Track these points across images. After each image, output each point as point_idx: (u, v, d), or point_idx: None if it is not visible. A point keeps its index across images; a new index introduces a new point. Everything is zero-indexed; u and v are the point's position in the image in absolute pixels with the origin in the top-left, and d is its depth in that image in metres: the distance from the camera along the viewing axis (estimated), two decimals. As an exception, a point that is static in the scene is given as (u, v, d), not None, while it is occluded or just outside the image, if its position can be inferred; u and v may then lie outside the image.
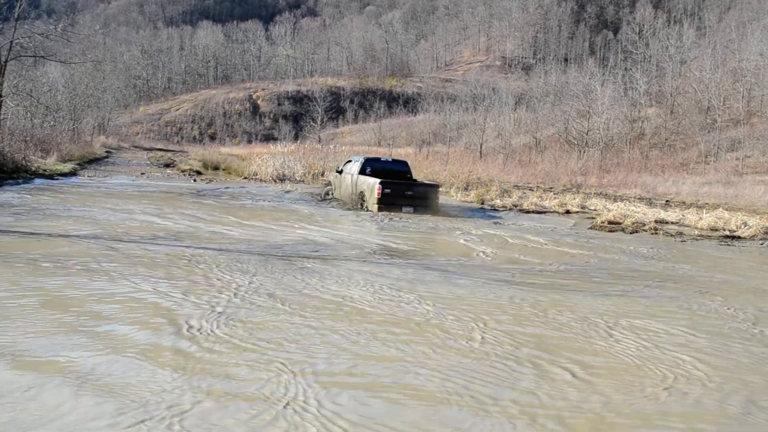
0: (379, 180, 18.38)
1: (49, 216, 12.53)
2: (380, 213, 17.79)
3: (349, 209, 19.05)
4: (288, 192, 23.37)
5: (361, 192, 19.21)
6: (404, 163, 21.97)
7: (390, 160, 21.97)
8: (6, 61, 22.25)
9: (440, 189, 21.14)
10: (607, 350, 5.96)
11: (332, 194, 22.29)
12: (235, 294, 7.16)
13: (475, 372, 5.14)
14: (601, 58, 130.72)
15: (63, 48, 32.99)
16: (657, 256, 12.54)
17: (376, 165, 20.41)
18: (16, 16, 23.15)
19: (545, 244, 13.42)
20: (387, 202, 18.09)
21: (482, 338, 6.06)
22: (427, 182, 22.47)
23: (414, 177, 22.12)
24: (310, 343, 5.59)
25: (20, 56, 24.59)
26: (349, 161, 21.62)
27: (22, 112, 28.93)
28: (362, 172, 19.78)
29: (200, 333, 5.68)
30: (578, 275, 9.91)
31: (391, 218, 16.74)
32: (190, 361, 4.97)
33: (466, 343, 5.90)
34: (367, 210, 18.50)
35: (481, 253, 11.48)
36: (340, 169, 21.76)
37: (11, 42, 22.46)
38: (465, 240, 13.19)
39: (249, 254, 9.73)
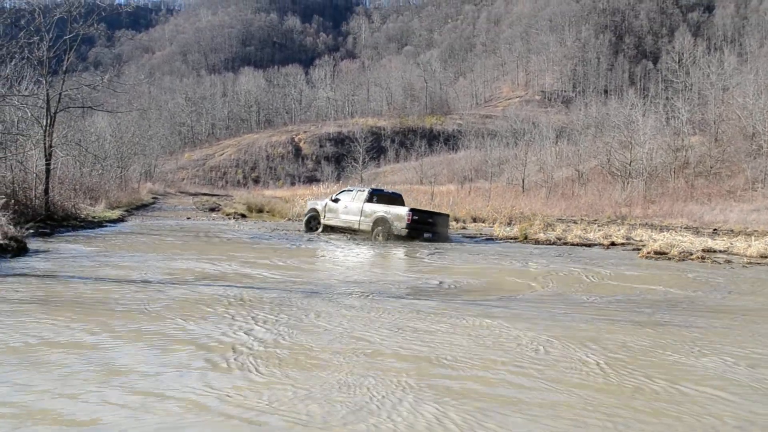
0: (408, 208, 20.96)
1: (105, 264, 12.57)
2: (415, 241, 19.97)
3: (364, 238, 20.59)
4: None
5: (378, 219, 20.92)
6: (399, 194, 24.54)
7: (390, 191, 25.33)
8: (56, 113, 22.89)
9: (449, 217, 24.30)
10: (736, 380, 5.81)
11: (317, 224, 23.62)
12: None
13: (621, 403, 5.06)
14: (642, 88, 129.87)
15: (110, 98, 33.88)
16: (715, 286, 12.24)
17: (381, 194, 23.01)
18: (64, 69, 23.88)
19: (605, 278, 13.04)
20: (414, 228, 20.20)
21: (613, 370, 5.96)
22: (440, 212, 24.88)
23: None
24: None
25: (69, 107, 25.33)
26: (348, 191, 23.36)
27: (71, 161, 29.64)
28: (369, 200, 21.82)
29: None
30: (655, 307, 9.64)
31: (436, 254, 16.75)
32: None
33: (602, 378, 5.78)
34: (384, 236, 20.37)
35: (540, 287, 11.35)
36: (335, 198, 23.12)
37: (60, 94, 23.12)
38: (527, 276, 12.91)
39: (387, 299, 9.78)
